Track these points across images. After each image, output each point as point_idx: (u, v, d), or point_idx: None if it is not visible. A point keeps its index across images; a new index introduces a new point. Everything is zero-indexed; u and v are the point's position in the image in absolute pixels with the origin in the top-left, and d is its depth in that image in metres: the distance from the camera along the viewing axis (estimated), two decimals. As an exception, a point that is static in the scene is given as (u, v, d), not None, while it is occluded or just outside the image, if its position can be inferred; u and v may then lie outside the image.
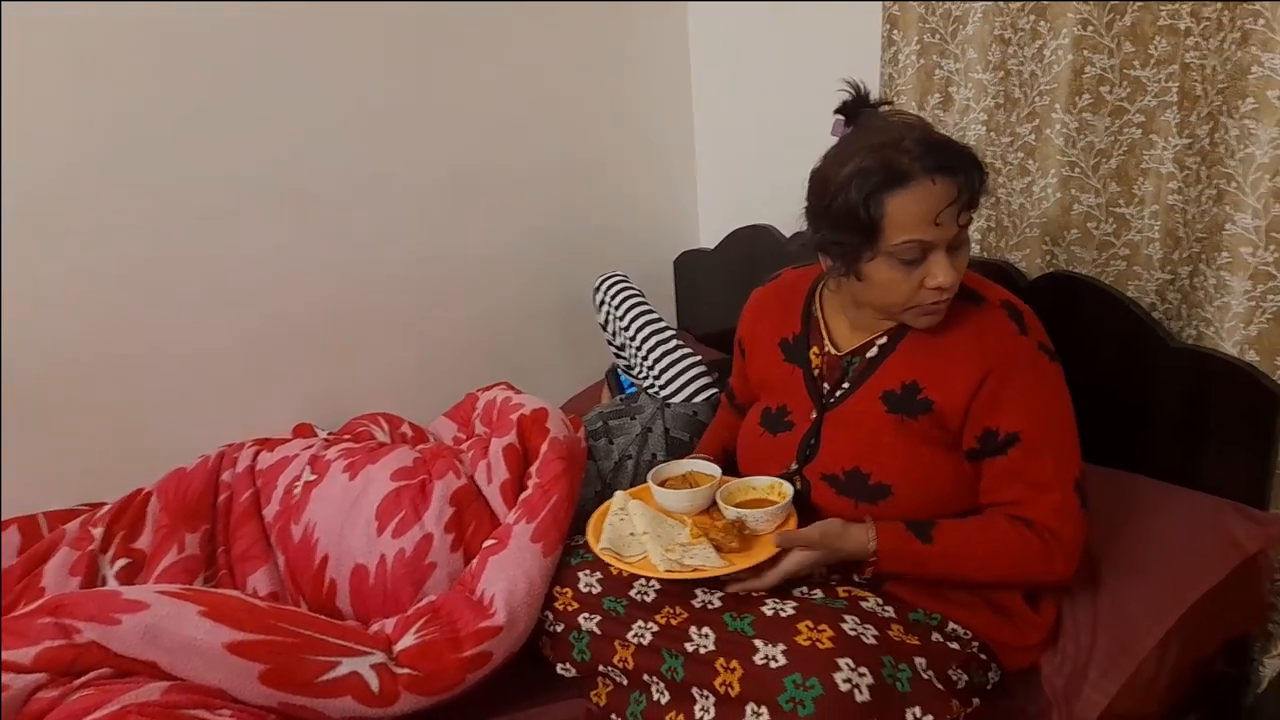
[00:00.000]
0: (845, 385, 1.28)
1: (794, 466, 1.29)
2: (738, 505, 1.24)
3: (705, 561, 1.16)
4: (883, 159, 1.10)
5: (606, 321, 1.98)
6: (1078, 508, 1.18)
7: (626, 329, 1.91)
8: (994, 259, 1.71)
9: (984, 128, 1.70)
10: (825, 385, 1.32)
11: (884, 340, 1.27)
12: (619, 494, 1.32)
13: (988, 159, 1.70)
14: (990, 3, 1.62)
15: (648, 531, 1.22)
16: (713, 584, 1.24)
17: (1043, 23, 1.57)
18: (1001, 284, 1.30)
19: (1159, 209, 1.52)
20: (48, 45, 1.60)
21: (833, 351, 1.31)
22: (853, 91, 1.21)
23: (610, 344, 2.03)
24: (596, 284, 2.01)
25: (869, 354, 1.28)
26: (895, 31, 1.79)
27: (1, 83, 1.56)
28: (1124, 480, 1.48)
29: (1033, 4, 1.57)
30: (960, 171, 1.10)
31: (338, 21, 1.89)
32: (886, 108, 1.22)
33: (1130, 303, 1.50)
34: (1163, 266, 1.53)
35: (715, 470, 1.32)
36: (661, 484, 1.31)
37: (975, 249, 1.77)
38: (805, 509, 1.28)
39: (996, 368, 1.18)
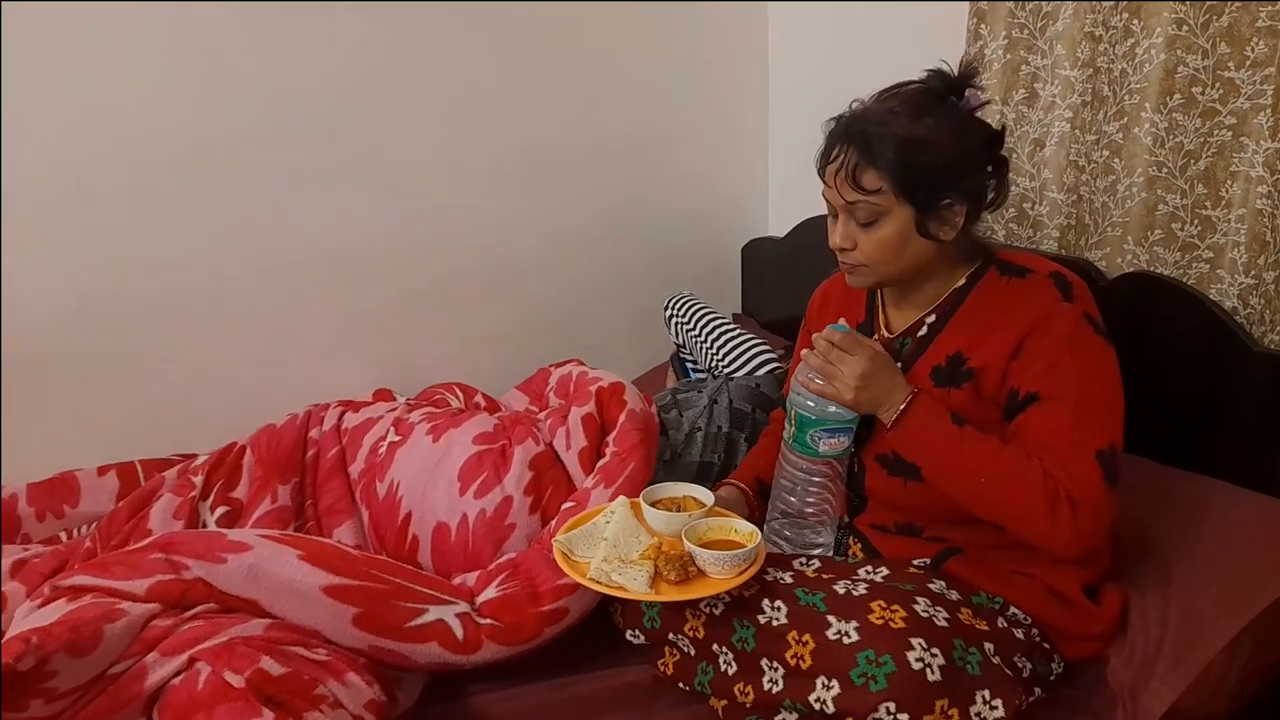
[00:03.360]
0: (899, 365, 1.28)
1: (850, 450, 1.29)
2: (708, 544, 1.20)
3: (629, 583, 1.14)
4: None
5: (676, 332, 2.11)
6: (1098, 478, 1.12)
7: (693, 330, 2.03)
8: (1072, 256, 1.71)
9: (1069, 125, 1.69)
10: None
11: (933, 319, 1.27)
12: (621, 498, 1.31)
13: (1071, 156, 1.70)
14: (1083, 0, 1.62)
15: (609, 539, 1.21)
16: (780, 563, 1.27)
17: (1136, 21, 1.56)
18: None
19: (1246, 213, 1.50)
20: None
21: (886, 335, 1.33)
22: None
23: (679, 349, 2.15)
24: (665, 303, 2.15)
25: (920, 333, 1.28)
26: (982, 26, 1.79)
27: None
28: (1198, 482, 1.48)
29: (1126, 2, 1.57)
30: (840, 140, 1.21)
31: (421, 5, 1.95)
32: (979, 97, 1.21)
33: (1213, 305, 1.49)
34: (1247, 271, 1.52)
35: (708, 498, 1.29)
36: (655, 504, 1.27)
37: (1053, 245, 1.76)
38: (862, 493, 1.33)
39: (1034, 329, 1.17)
